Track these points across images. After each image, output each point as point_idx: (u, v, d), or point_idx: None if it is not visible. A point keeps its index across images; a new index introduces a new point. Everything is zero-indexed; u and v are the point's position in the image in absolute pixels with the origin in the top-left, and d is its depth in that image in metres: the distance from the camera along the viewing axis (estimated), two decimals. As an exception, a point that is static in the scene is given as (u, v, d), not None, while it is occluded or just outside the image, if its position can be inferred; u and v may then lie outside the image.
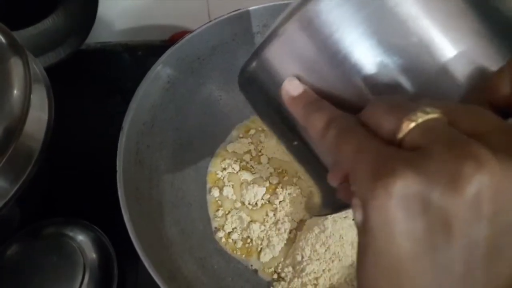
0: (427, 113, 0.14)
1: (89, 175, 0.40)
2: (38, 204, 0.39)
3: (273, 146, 0.39)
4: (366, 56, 0.16)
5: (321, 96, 0.18)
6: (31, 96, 0.29)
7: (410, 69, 0.17)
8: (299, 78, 0.18)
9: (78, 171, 0.40)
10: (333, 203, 0.20)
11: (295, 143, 0.20)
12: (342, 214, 0.35)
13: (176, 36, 0.44)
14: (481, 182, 0.13)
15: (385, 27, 0.16)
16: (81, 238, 0.34)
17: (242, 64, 0.19)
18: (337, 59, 0.17)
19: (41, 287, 0.32)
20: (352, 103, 0.17)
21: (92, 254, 0.34)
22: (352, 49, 0.16)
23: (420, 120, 0.14)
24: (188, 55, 0.36)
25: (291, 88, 0.18)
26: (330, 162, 0.19)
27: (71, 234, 0.34)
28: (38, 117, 0.32)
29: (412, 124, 0.14)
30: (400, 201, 0.13)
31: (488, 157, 0.13)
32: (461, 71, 0.17)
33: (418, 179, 0.13)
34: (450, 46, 0.17)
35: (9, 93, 0.29)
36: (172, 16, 0.45)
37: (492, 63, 0.17)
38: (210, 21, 0.35)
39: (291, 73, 0.18)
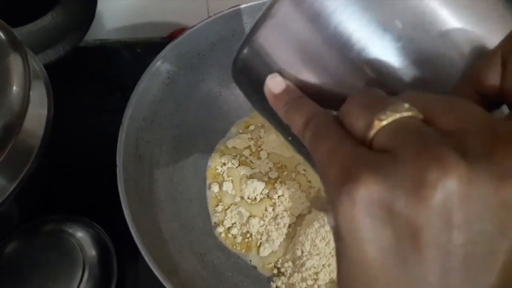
0: (399, 111, 0.13)
1: (89, 172, 0.40)
2: (37, 201, 0.39)
3: (273, 142, 0.39)
4: (361, 34, 0.16)
5: (312, 87, 0.17)
6: (31, 92, 0.29)
7: (406, 50, 0.16)
8: (288, 67, 0.17)
9: (78, 169, 0.40)
10: None
11: (289, 138, 0.20)
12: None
13: (176, 33, 0.44)
14: (447, 189, 0.12)
15: (382, 3, 0.16)
16: (81, 234, 0.34)
17: (235, 54, 0.19)
18: (330, 38, 0.16)
19: (41, 284, 0.32)
20: (344, 93, 0.16)
21: (91, 251, 0.34)
22: (347, 26, 0.16)
23: (390, 119, 0.13)
24: (187, 50, 0.36)
25: (273, 85, 0.18)
26: None
27: (70, 230, 0.34)
28: (38, 113, 0.32)
29: (382, 123, 0.13)
30: (365, 208, 0.12)
31: (455, 161, 0.12)
32: (458, 53, 0.16)
33: (381, 186, 0.12)
34: (449, 25, 0.16)
35: (8, 89, 0.29)
36: (172, 13, 0.45)
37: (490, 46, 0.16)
38: (210, 16, 0.35)
39: (284, 57, 0.17)
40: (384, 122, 0.13)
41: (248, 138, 0.40)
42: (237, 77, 0.20)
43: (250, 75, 0.19)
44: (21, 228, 0.35)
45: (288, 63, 0.17)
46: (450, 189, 0.12)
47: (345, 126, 0.15)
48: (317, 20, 0.16)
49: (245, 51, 0.18)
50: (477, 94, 0.16)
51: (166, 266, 0.30)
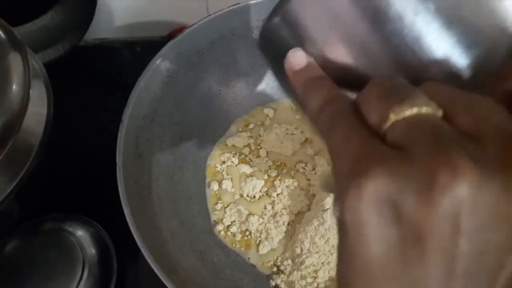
0: (417, 105, 0.13)
1: (88, 171, 0.40)
2: (37, 200, 0.39)
3: (272, 140, 0.39)
4: (404, 13, 0.15)
5: (334, 65, 0.16)
6: (30, 91, 0.29)
7: (444, 39, 0.15)
8: (320, 39, 0.16)
9: (77, 168, 0.40)
10: None
11: None
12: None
13: (175, 32, 0.44)
14: (457, 194, 0.11)
15: None
16: (81, 233, 0.34)
17: (263, 21, 0.18)
18: (367, 14, 0.15)
19: (41, 282, 0.32)
20: (367, 75, 0.15)
21: (91, 250, 0.34)
22: (387, 3, 0.15)
23: (406, 113, 0.13)
24: (187, 49, 0.36)
25: (295, 60, 0.17)
26: None
27: (70, 229, 0.34)
28: (37, 112, 0.32)
29: (397, 117, 0.13)
30: (373, 204, 0.12)
31: (468, 167, 0.11)
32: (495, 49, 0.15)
33: (391, 183, 0.12)
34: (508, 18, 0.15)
35: (8, 88, 0.29)
36: (171, 12, 0.45)
37: None
38: (209, 15, 0.35)
39: (318, 29, 0.16)
40: (400, 116, 0.13)
41: (248, 137, 0.40)
42: (263, 44, 0.19)
43: (278, 45, 0.18)
44: (21, 227, 0.35)
45: (316, 36, 0.16)
46: (460, 195, 0.11)
47: (361, 114, 0.14)
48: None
49: (276, 19, 0.17)
50: (504, 95, 0.15)
51: (166, 265, 0.30)
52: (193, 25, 0.35)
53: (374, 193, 0.12)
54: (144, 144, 0.34)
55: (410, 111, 0.13)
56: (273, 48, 0.18)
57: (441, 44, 0.15)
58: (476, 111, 0.13)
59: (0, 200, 0.29)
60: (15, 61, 0.29)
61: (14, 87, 0.29)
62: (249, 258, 0.36)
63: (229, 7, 0.35)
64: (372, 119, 0.13)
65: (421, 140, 0.12)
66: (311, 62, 0.17)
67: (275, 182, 0.38)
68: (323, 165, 0.38)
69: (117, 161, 0.31)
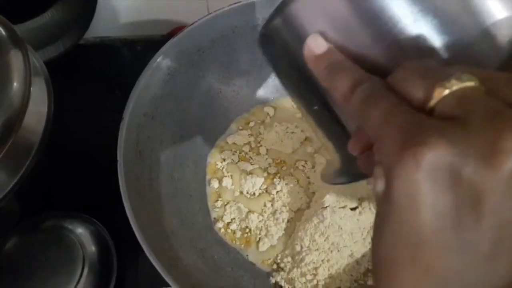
0: (463, 80, 0.13)
1: (89, 170, 0.40)
2: (37, 198, 0.39)
3: (272, 138, 0.40)
4: (400, 13, 0.15)
5: (347, 57, 0.16)
6: (31, 89, 0.29)
7: (446, 31, 0.16)
8: (324, 36, 0.17)
9: (77, 166, 0.40)
10: (352, 171, 0.19)
11: (315, 107, 0.19)
12: (341, 204, 0.35)
13: (176, 31, 0.44)
14: None
15: None
16: (81, 231, 0.34)
17: (264, 21, 0.18)
18: (369, 14, 0.16)
19: (41, 280, 0.32)
20: (380, 66, 0.16)
21: (91, 247, 0.34)
22: (386, 4, 0.15)
23: (454, 88, 0.13)
24: (188, 47, 0.36)
25: (315, 45, 0.17)
26: (352, 128, 0.18)
27: (70, 227, 0.34)
28: (38, 110, 0.32)
29: (446, 92, 0.13)
30: (429, 172, 0.12)
31: None
32: (502, 38, 0.16)
33: (451, 151, 0.12)
34: (492, 10, 0.16)
35: (9, 85, 0.29)
36: (172, 11, 0.46)
37: None
38: (210, 13, 0.35)
39: (318, 29, 0.17)
40: (448, 91, 0.13)
41: (248, 135, 0.40)
42: (264, 44, 0.19)
43: (279, 44, 0.18)
44: (22, 224, 0.35)
45: (322, 33, 0.17)
46: None
47: (399, 92, 0.14)
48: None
49: (277, 20, 0.17)
50: None
51: (167, 261, 0.30)
52: (194, 23, 0.35)
53: (432, 161, 0.12)
54: (144, 142, 0.34)
55: (458, 85, 0.13)
56: (274, 48, 0.19)
57: (432, 35, 0.16)
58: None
59: (1, 197, 0.29)
60: (16, 59, 0.29)
61: (15, 84, 0.29)
62: (247, 255, 0.36)
63: (230, 5, 0.35)
64: (416, 96, 0.14)
65: (477, 109, 0.13)
66: (331, 47, 0.17)
67: (274, 180, 0.38)
68: (322, 164, 0.39)
69: (118, 158, 0.31)
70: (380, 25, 0.16)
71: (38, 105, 0.32)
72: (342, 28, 0.16)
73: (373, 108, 0.14)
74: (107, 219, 0.36)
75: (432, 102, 0.13)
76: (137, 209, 0.30)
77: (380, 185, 0.14)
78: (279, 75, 0.21)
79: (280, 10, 0.17)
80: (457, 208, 0.13)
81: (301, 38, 0.17)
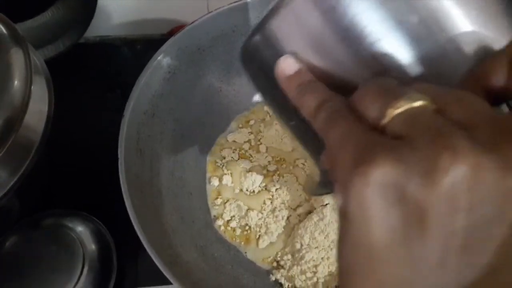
0: (413, 99, 0.14)
1: (89, 169, 0.40)
2: (38, 197, 0.40)
3: (272, 136, 0.40)
4: (375, 27, 0.16)
5: (320, 75, 0.18)
6: (32, 87, 0.29)
7: (414, 47, 0.17)
8: (299, 54, 0.18)
9: (77, 165, 0.40)
10: (331, 182, 0.20)
11: (292, 122, 0.20)
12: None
13: (176, 30, 0.45)
14: (457, 175, 0.12)
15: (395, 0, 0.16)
16: (81, 229, 0.35)
17: (245, 38, 0.19)
18: (344, 30, 0.16)
19: (41, 277, 0.32)
20: (352, 84, 0.17)
21: (91, 245, 0.34)
22: (361, 19, 0.16)
23: (404, 108, 0.14)
24: (188, 45, 0.36)
25: (286, 66, 0.18)
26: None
27: (70, 225, 0.34)
28: (38, 108, 0.32)
29: (396, 111, 0.14)
30: (378, 189, 0.13)
31: (466, 150, 0.13)
32: (467, 52, 0.17)
33: (396, 169, 0.13)
34: (459, 24, 0.17)
35: (10, 84, 0.29)
36: (172, 10, 0.46)
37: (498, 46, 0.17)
38: (210, 12, 0.35)
39: (295, 46, 0.18)
40: (399, 110, 0.14)
41: (248, 133, 0.40)
42: (245, 61, 0.20)
43: (259, 61, 0.19)
44: (22, 222, 0.35)
45: (299, 51, 0.18)
46: (460, 175, 0.12)
47: (357, 112, 0.15)
48: (332, 11, 0.16)
49: (256, 37, 0.18)
50: (482, 90, 0.16)
51: (167, 258, 0.30)
52: (194, 22, 0.35)
53: (380, 179, 0.13)
54: (145, 140, 0.34)
55: (408, 105, 0.14)
56: (254, 65, 0.20)
57: (412, 56, 0.17)
58: (464, 103, 0.14)
59: (1, 195, 0.29)
60: (16, 57, 0.29)
61: (15, 83, 0.29)
62: (245, 253, 0.36)
63: (230, 4, 0.35)
64: (371, 115, 0.15)
65: (421, 129, 0.13)
66: (301, 67, 0.18)
67: (274, 177, 0.38)
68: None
69: (119, 156, 0.31)
70: (351, 43, 0.17)
71: (39, 104, 0.32)
72: (317, 45, 0.17)
73: (332, 127, 0.15)
74: (107, 217, 0.36)
75: (384, 121, 0.14)
76: (138, 206, 0.30)
77: (339, 201, 0.14)
78: (261, 91, 0.22)
79: (259, 27, 0.18)
80: (404, 223, 0.13)
81: (278, 56, 0.18)
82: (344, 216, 0.14)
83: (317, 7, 0.16)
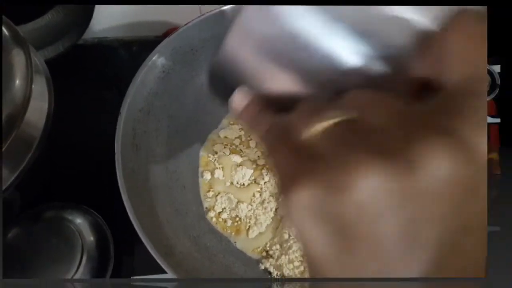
0: (331, 117, 0.15)
1: (87, 165, 0.41)
2: (38, 191, 0.40)
3: (261, 132, 0.41)
4: (323, 37, 0.17)
5: (277, 90, 0.18)
6: (32, 86, 0.30)
7: (365, 50, 0.17)
8: (257, 70, 0.18)
9: (76, 162, 0.41)
10: None
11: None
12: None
13: (170, 31, 0.46)
14: (366, 186, 0.13)
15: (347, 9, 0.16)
16: (80, 221, 0.36)
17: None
18: (294, 42, 0.17)
19: (41, 268, 0.33)
20: (310, 92, 0.18)
21: (90, 237, 0.35)
22: (309, 32, 0.17)
23: (323, 126, 0.15)
24: (181, 46, 0.37)
25: (237, 101, 0.19)
26: None
27: (70, 217, 0.35)
28: (39, 106, 0.32)
29: (317, 130, 0.15)
30: (307, 211, 0.14)
31: (371, 162, 0.13)
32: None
33: (315, 190, 0.14)
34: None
35: (11, 82, 0.29)
36: (166, 13, 0.47)
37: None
38: (203, 14, 0.36)
39: (249, 67, 0.18)
40: (319, 129, 0.15)
41: (239, 129, 0.42)
42: (210, 81, 0.21)
43: (222, 81, 0.19)
44: (23, 215, 0.36)
45: (252, 72, 0.18)
46: (369, 186, 0.13)
47: (294, 133, 0.16)
48: (279, 24, 0.17)
49: (215, 58, 0.19)
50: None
51: (163, 249, 0.31)
52: (187, 23, 0.36)
53: (305, 201, 0.14)
54: (141, 136, 0.36)
55: (326, 123, 0.15)
56: (220, 86, 0.20)
57: (356, 56, 0.17)
58: (379, 107, 0.15)
59: (3, 189, 0.30)
60: (18, 57, 0.30)
61: (17, 81, 0.29)
62: (236, 243, 0.38)
63: (221, 7, 0.36)
64: (301, 135, 0.16)
65: (334, 145, 0.15)
66: (252, 99, 0.19)
67: (263, 171, 0.40)
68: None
69: (116, 151, 0.32)
70: (305, 52, 0.17)
71: (40, 102, 0.32)
72: (270, 59, 0.18)
73: (272, 154, 0.17)
74: (105, 210, 0.37)
75: (310, 141, 0.15)
76: (134, 199, 0.32)
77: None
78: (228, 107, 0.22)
79: (216, 50, 0.18)
80: (335, 238, 0.14)
81: (238, 74, 0.18)
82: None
83: (264, 22, 0.17)
